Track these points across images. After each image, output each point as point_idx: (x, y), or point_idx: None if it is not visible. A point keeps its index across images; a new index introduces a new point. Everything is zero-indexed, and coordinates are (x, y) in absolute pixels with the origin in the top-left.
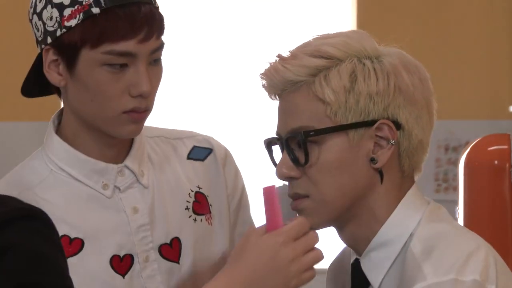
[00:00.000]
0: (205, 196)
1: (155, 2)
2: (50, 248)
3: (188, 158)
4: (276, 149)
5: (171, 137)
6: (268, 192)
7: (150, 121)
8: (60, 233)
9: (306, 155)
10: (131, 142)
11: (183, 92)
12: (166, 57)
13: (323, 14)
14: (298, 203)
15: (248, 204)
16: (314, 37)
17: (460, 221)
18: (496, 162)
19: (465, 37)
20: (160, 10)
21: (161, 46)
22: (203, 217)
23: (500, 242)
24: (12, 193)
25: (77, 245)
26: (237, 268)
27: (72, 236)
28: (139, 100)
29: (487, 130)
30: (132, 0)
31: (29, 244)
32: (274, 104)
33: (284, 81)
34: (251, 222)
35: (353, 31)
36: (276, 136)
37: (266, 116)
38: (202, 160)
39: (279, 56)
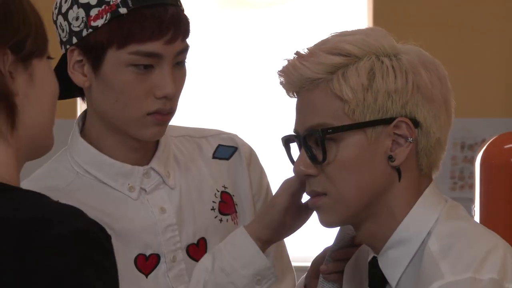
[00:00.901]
0: (230, 195)
1: (181, 4)
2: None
3: (214, 157)
4: (294, 146)
5: (196, 136)
6: None
7: (173, 120)
8: None
9: (324, 152)
10: (156, 144)
11: (201, 90)
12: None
13: (339, 12)
14: (316, 200)
15: None
16: (332, 34)
17: (477, 219)
18: None
19: (481, 35)
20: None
21: (186, 48)
22: (229, 217)
23: None
24: None
25: None
26: None
27: None
28: (164, 101)
29: (503, 128)
30: (159, 2)
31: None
32: (292, 102)
33: (302, 78)
34: None
35: (371, 29)
36: (294, 134)
37: (284, 113)
38: (227, 159)
39: (297, 53)
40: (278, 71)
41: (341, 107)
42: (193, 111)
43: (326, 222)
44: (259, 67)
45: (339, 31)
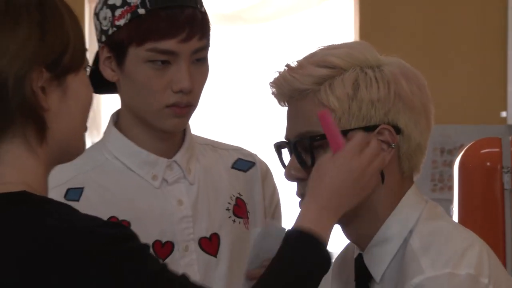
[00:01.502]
0: (244, 202)
1: (201, 6)
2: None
3: (232, 167)
4: (285, 152)
5: (219, 147)
6: (322, 117)
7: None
8: (110, 214)
9: (313, 158)
10: (182, 141)
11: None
12: None
13: (328, 26)
14: None
15: (281, 216)
16: (319, 47)
17: (455, 218)
18: (488, 163)
19: (460, 49)
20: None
21: (204, 46)
22: (241, 220)
23: (492, 238)
24: (68, 175)
25: None
26: (320, 194)
27: (120, 218)
28: (181, 95)
29: (480, 134)
30: (176, 3)
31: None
32: (283, 110)
33: (292, 89)
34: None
35: (355, 42)
36: (285, 140)
37: (277, 122)
38: (245, 171)
39: (287, 65)
40: (270, 82)
41: None
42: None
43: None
44: (254, 79)
45: (326, 45)
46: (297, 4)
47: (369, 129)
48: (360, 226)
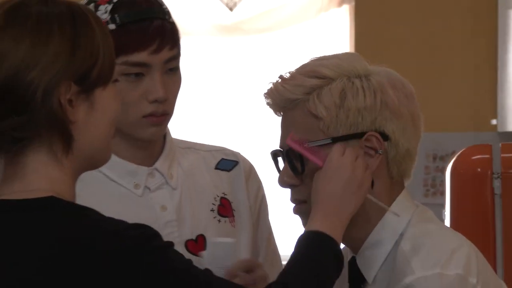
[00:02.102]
0: (229, 201)
1: (170, 17)
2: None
3: (216, 168)
4: (281, 159)
5: (201, 149)
6: (291, 143)
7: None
8: None
9: (302, 165)
10: (162, 148)
11: (197, 113)
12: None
13: (324, 38)
14: (298, 208)
15: (267, 211)
16: (311, 58)
17: (447, 222)
18: (479, 169)
19: (451, 58)
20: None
21: (175, 56)
22: (227, 219)
23: (483, 241)
24: None
25: None
26: (323, 203)
27: None
28: (156, 105)
29: (471, 141)
30: (144, 16)
31: None
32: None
33: (283, 99)
34: (269, 227)
35: (346, 53)
36: (279, 148)
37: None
38: (228, 170)
39: (280, 77)
40: (264, 93)
41: (317, 124)
42: (187, 133)
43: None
44: (253, 88)
45: (318, 56)
46: (295, 16)
47: (357, 136)
48: (352, 230)
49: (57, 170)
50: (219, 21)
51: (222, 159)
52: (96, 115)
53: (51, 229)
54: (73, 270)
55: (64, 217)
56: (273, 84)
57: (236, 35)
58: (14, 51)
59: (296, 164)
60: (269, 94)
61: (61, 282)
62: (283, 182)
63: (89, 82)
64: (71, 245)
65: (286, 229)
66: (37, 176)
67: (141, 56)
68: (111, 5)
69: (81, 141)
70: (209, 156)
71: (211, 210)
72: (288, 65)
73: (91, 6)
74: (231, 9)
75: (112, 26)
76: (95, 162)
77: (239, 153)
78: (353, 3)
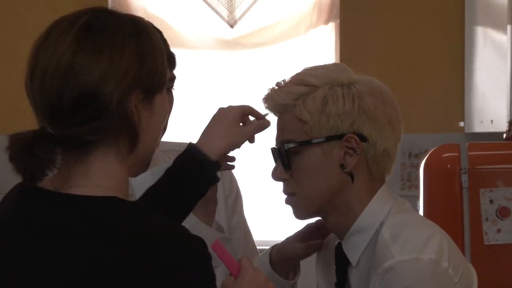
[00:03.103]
0: None
1: (167, 44)
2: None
3: None
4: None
5: (181, 150)
6: (216, 246)
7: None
8: None
9: (289, 162)
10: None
11: (196, 125)
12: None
13: (313, 52)
14: (288, 199)
15: (241, 198)
16: (305, 68)
17: (421, 212)
18: (448, 166)
19: (424, 73)
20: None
21: (171, 78)
22: None
23: (453, 230)
24: None
25: None
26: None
27: None
28: None
29: (441, 141)
30: None
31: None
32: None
33: (277, 104)
34: (242, 213)
35: (334, 64)
36: (275, 147)
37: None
38: None
39: (276, 84)
40: (262, 98)
41: (302, 126)
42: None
43: (297, 215)
44: (250, 97)
45: (311, 66)
46: (287, 32)
47: (337, 137)
48: (338, 218)
49: (119, 168)
50: (221, 36)
51: None
52: (154, 118)
53: (112, 233)
54: (130, 271)
55: (127, 220)
56: (269, 90)
57: (236, 49)
58: (95, 65)
59: (286, 161)
60: (266, 99)
61: (114, 281)
62: (275, 176)
63: (152, 89)
64: (132, 251)
65: (274, 217)
66: (102, 173)
67: None
68: None
69: (142, 141)
70: None
71: None
72: (281, 75)
73: None
74: (231, 26)
75: None
76: (144, 158)
77: None
78: (338, 21)
